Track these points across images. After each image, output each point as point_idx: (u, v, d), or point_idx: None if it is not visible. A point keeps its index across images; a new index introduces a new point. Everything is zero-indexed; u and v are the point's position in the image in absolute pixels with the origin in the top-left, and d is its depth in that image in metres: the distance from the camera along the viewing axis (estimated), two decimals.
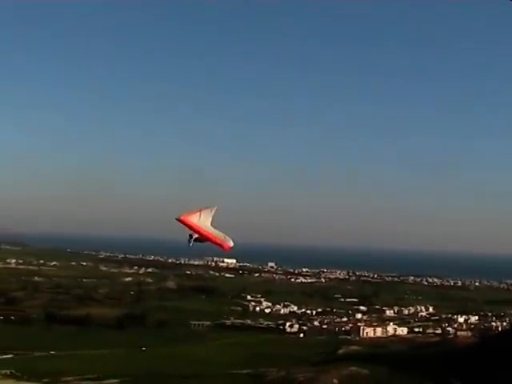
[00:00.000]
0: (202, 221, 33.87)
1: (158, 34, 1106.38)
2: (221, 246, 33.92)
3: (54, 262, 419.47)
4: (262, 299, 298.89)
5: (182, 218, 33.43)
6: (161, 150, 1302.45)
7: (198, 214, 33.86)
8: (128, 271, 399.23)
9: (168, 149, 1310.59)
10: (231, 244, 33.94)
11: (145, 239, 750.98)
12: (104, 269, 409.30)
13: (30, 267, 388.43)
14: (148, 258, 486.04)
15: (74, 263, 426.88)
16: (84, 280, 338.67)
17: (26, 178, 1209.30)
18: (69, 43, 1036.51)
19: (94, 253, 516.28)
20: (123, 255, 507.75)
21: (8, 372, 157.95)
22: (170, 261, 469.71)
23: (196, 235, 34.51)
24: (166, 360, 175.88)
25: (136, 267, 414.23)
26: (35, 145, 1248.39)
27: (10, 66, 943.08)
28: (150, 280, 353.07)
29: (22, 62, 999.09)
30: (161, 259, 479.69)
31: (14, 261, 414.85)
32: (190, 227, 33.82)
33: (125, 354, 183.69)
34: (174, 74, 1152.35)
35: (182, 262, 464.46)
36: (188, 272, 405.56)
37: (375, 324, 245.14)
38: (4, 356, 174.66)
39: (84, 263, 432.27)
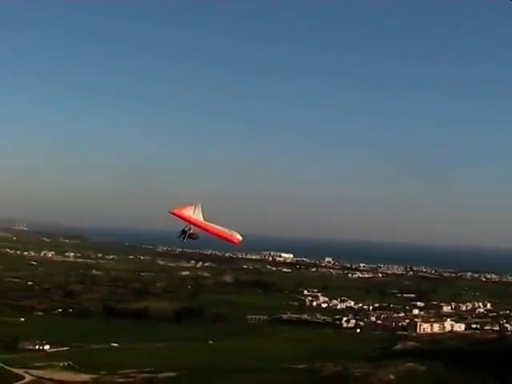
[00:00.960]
0: (197, 215, 34.31)
1: None
2: (230, 240, 34.35)
3: (112, 256, 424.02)
4: (319, 294, 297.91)
5: (176, 211, 33.82)
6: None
7: (193, 208, 34.19)
8: (185, 265, 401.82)
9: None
10: (240, 237, 34.38)
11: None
12: (162, 263, 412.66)
13: (89, 260, 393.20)
14: (205, 252, 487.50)
15: (131, 257, 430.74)
16: (142, 274, 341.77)
17: (91, 174, 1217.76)
18: None
19: (151, 247, 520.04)
20: (181, 249, 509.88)
21: (66, 364, 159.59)
22: (227, 255, 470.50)
23: (192, 230, 34.88)
24: (223, 354, 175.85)
25: (193, 261, 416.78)
26: (98, 142, 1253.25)
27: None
28: (207, 274, 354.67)
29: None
30: (218, 253, 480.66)
31: (72, 254, 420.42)
32: (190, 222, 34.22)
33: (182, 347, 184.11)
34: None
35: (239, 256, 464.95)
36: (245, 266, 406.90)
37: (432, 320, 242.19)
38: (62, 348, 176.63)
39: (142, 257, 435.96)
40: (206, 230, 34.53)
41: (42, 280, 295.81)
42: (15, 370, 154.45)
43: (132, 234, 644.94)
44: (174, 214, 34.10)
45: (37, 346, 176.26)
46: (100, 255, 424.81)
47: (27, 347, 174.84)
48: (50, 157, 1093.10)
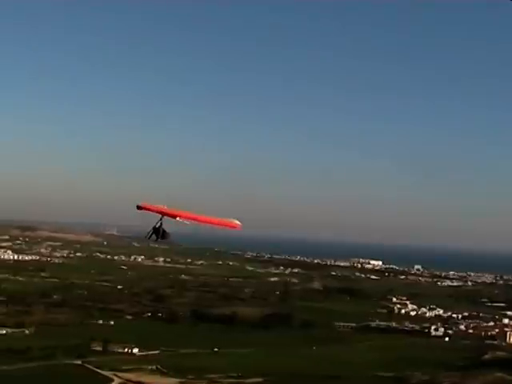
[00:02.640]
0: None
1: None
2: (230, 226, 33.51)
3: (201, 261, 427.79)
4: (408, 302, 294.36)
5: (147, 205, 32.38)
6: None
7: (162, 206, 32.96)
8: (274, 271, 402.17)
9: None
10: (238, 222, 33.58)
11: (289, 239, 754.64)
12: (250, 268, 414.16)
13: (178, 266, 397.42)
14: (294, 258, 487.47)
15: (220, 262, 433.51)
16: (230, 279, 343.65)
17: (178, 178, 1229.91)
18: None
19: (240, 252, 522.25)
20: (269, 255, 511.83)
21: (154, 367, 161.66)
22: (315, 261, 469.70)
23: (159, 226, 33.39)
24: (310, 360, 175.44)
25: (282, 267, 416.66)
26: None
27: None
28: (295, 280, 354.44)
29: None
30: (306, 260, 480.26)
31: (162, 259, 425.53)
32: (177, 216, 32.60)
33: (269, 353, 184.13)
34: None
35: (328, 262, 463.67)
36: (333, 273, 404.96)
37: None
38: (151, 352, 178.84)
39: (230, 263, 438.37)
40: (197, 219, 33.07)
41: (132, 284, 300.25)
42: (104, 373, 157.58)
43: (221, 239, 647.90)
44: (142, 207, 32.47)
45: (126, 350, 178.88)
46: (189, 260, 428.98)
47: (117, 350, 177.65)
48: (139, 162, 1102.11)
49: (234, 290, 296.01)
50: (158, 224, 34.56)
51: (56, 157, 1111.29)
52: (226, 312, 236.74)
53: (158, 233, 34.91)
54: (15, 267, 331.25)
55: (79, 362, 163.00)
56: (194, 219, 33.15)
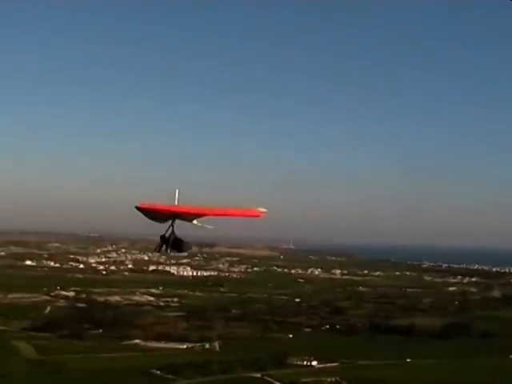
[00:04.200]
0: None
1: None
2: (252, 215, 27.52)
3: (377, 272, 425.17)
4: None
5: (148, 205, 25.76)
6: None
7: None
8: (452, 281, 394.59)
9: None
10: (263, 210, 27.44)
11: (467, 249, 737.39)
12: (428, 278, 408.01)
13: (355, 277, 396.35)
14: (472, 267, 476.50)
15: (398, 273, 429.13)
16: (408, 290, 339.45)
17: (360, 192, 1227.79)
18: None
19: (416, 263, 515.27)
20: (447, 265, 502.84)
21: (333, 380, 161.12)
22: (494, 270, 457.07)
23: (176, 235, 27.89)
24: (491, 371, 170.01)
25: (460, 277, 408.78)
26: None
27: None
28: (474, 289, 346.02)
29: None
30: (485, 268, 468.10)
31: (338, 271, 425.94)
32: (201, 214, 26.64)
33: (449, 363, 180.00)
34: None
35: (507, 270, 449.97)
36: None
37: None
38: (330, 364, 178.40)
39: (408, 273, 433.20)
40: (217, 214, 27.02)
41: (310, 297, 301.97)
42: None
43: (397, 250, 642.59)
44: (144, 208, 25.79)
45: (305, 362, 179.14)
46: (366, 272, 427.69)
47: (295, 363, 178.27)
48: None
49: (412, 301, 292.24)
50: (170, 231, 28.18)
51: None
52: (403, 323, 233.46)
53: (170, 243, 28.47)
54: (194, 283, 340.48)
55: (259, 375, 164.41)
56: (221, 215, 27.30)
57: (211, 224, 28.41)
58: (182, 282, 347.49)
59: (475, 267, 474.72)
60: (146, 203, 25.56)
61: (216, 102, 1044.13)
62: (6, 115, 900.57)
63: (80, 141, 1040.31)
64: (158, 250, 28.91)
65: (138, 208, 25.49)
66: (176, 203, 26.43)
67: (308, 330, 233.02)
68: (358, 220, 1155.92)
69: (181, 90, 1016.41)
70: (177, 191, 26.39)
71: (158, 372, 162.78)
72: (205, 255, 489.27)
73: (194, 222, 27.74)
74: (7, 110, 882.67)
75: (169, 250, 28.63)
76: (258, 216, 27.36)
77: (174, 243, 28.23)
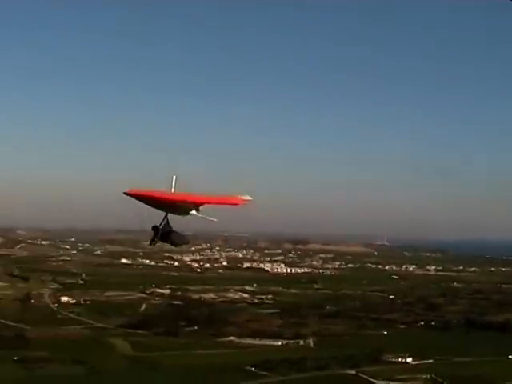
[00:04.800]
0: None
1: None
2: (233, 203, 26.36)
3: (473, 268, 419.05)
4: None
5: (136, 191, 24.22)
6: None
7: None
8: None
9: None
10: (247, 198, 26.39)
11: None
12: None
13: (449, 273, 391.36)
14: None
15: (493, 269, 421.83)
16: (503, 286, 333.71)
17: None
18: None
19: None
20: None
21: (428, 377, 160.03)
22: None
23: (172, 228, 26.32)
24: None
25: None
26: None
27: None
28: None
29: None
30: None
31: (433, 267, 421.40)
32: (178, 200, 24.93)
33: None
34: None
35: None
36: None
37: None
38: (425, 361, 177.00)
39: (503, 269, 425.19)
40: (200, 201, 25.38)
41: (404, 294, 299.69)
42: (379, 382, 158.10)
43: (493, 245, 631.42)
44: (130, 194, 24.17)
45: (399, 359, 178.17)
46: (461, 268, 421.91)
47: (390, 360, 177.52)
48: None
49: (507, 297, 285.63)
50: (165, 221, 26.53)
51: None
52: (499, 319, 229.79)
53: (162, 235, 26.70)
54: (288, 280, 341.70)
55: (353, 372, 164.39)
56: (204, 202, 25.68)
57: (214, 216, 26.85)
58: (276, 279, 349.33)
59: None
60: (135, 189, 24.23)
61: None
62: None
63: None
64: (152, 243, 27.05)
65: (126, 193, 24.14)
66: (172, 190, 25.31)
67: (402, 326, 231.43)
68: (453, 216, 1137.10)
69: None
70: (174, 177, 25.38)
71: (253, 369, 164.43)
72: (299, 252, 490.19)
73: (193, 212, 26.22)
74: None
75: (152, 241, 26.83)
76: (237, 204, 26.27)
77: (162, 235, 26.52)
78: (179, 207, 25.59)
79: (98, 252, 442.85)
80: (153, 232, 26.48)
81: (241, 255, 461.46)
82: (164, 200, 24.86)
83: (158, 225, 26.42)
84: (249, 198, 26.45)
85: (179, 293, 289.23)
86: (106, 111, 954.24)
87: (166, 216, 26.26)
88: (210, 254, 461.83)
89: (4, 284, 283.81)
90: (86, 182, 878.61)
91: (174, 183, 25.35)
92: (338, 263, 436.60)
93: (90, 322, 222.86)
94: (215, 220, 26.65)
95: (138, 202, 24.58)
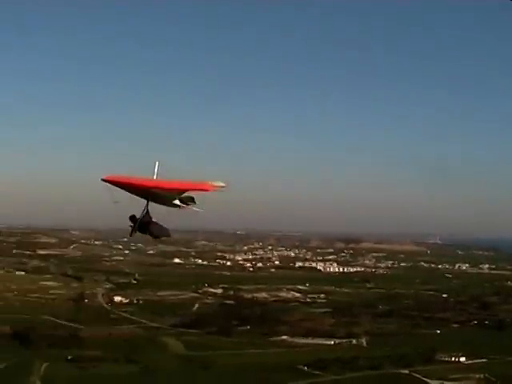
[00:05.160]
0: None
1: None
2: (204, 188, 24.28)
3: None
4: None
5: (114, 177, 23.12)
6: None
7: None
8: None
9: None
10: (219, 184, 24.45)
11: None
12: None
13: (504, 272, 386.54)
14: None
15: None
16: None
17: None
18: None
19: None
20: None
21: (482, 376, 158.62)
22: None
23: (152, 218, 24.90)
24: None
25: None
26: None
27: None
28: None
29: None
30: None
31: (486, 266, 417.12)
32: (149, 187, 23.55)
33: None
34: None
35: None
36: None
37: None
38: (478, 360, 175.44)
39: None
40: (172, 187, 23.92)
41: (457, 292, 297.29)
42: (432, 382, 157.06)
43: None
44: (108, 180, 23.16)
45: (453, 358, 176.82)
46: None
47: (443, 359, 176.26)
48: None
49: None
50: (145, 210, 25.30)
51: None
52: None
53: (141, 225, 25.57)
54: (341, 279, 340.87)
55: (406, 372, 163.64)
56: (175, 188, 24.15)
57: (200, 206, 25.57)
58: (329, 278, 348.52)
59: None
60: (112, 175, 23.22)
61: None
62: None
63: None
64: (131, 233, 25.99)
65: (104, 180, 23.16)
66: (155, 177, 24.13)
67: (456, 325, 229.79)
68: (506, 214, 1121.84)
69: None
70: (156, 164, 24.18)
71: (306, 368, 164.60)
72: (351, 251, 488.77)
73: (176, 202, 24.96)
74: None
75: (132, 232, 25.78)
76: (208, 189, 24.42)
77: (141, 226, 25.36)
78: (159, 195, 24.37)
79: (151, 252, 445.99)
80: (130, 220, 25.45)
81: (293, 254, 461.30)
82: (134, 186, 23.65)
83: (136, 215, 25.42)
84: (221, 184, 24.54)
85: (232, 292, 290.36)
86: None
87: (146, 205, 25.08)
88: (262, 253, 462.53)
89: (58, 284, 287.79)
90: None
91: (156, 170, 24.19)
92: (391, 262, 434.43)
93: (143, 321, 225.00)
94: (202, 210, 25.46)
95: (118, 189, 23.68)
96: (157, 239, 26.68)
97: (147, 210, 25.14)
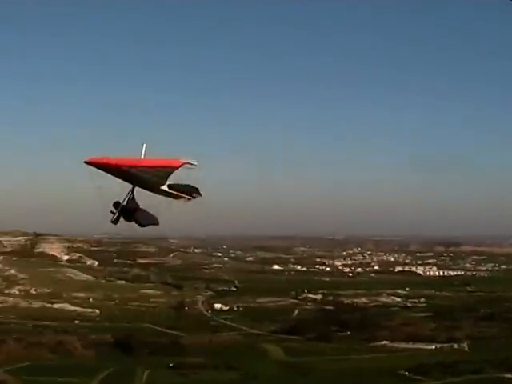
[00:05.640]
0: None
1: None
2: (172, 165, 22.28)
3: None
4: None
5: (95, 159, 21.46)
6: None
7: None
8: None
9: None
10: (189, 161, 22.25)
11: None
12: None
13: None
14: None
15: None
16: None
17: None
18: None
19: None
20: None
21: None
22: None
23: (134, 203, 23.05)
24: None
25: None
26: None
27: None
28: None
29: None
30: None
31: None
32: (128, 166, 21.76)
33: None
34: None
35: None
36: None
37: None
38: None
39: None
40: (136, 165, 21.84)
41: None
42: None
43: None
44: (89, 162, 21.41)
45: None
46: None
47: None
48: None
49: None
50: (130, 196, 23.56)
51: None
52: None
53: (125, 212, 23.48)
54: (441, 283, 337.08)
55: (510, 376, 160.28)
56: (144, 166, 22.23)
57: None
58: (429, 282, 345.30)
59: None
60: (95, 157, 21.68)
61: None
62: None
63: None
64: (115, 221, 23.55)
65: (86, 162, 21.59)
66: (142, 158, 22.46)
67: None
68: None
69: None
70: (144, 145, 22.75)
71: (407, 373, 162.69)
72: (451, 254, 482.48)
73: (164, 187, 23.52)
74: None
75: (116, 220, 23.52)
76: (176, 166, 22.33)
77: (125, 213, 23.52)
78: (142, 178, 22.74)
79: (250, 259, 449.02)
80: (113, 206, 23.43)
81: (392, 259, 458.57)
82: (110, 166, 21.89)
83: (120, 200, 23.61)
84: (192, 161, 22.32)
85: (331, 298, 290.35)
86: None
87: (131, 190, 23.53)
88: (361, 258, 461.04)
89: (158, 292, 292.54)
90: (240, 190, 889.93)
91: (143, 151, 22.70)
92: (492, 265, 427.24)
93: (243, 328, 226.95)
94: (190, 198, 24.27)
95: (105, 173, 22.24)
96: (143, 227, 24.19)
97: (133, 195, 23.58)
